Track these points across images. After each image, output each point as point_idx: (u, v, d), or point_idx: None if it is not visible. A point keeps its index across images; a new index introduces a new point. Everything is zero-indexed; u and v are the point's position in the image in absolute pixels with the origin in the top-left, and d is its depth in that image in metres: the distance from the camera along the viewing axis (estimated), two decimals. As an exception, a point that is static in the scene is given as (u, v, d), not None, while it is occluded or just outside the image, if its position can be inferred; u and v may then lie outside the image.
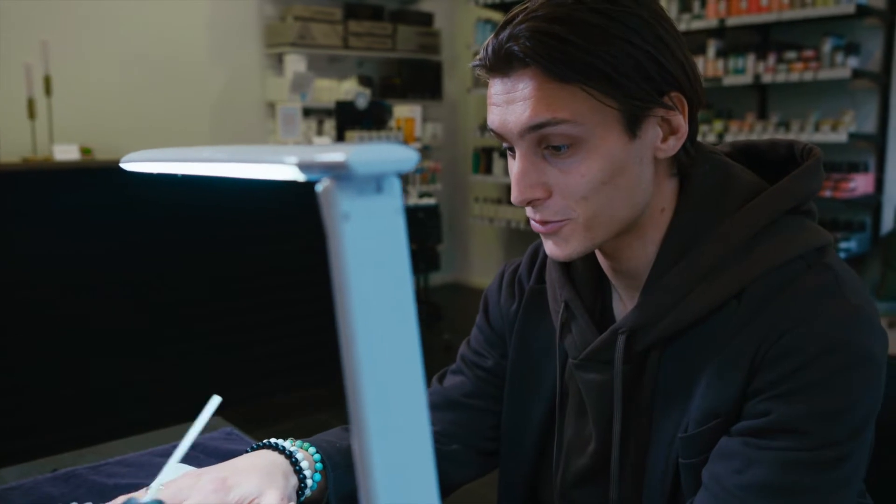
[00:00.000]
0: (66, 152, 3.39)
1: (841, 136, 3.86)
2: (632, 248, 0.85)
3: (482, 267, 6.15)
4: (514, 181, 0.80)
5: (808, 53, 3.97)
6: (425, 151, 5.03)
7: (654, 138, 0.80)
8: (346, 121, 4.41)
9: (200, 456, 1.16)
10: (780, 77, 4.02)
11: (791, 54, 4.03)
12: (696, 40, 4.32)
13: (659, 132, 0.80)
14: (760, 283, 0.78)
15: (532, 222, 0.83)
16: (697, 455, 0.80)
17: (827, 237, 0.82)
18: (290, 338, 3.60)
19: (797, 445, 0.74)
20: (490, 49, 0.79)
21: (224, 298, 3.39)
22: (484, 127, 5.50)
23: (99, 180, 3.15)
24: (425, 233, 4.77)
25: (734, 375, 0.77)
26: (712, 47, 4.28)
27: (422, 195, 4.88)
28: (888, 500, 0.96)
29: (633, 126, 0.78)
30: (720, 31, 4.30)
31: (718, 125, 4.25)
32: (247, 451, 0.90)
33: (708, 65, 4.26)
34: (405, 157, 0.39)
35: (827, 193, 3.86)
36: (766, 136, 4.06)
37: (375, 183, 0.40)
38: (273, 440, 0.90)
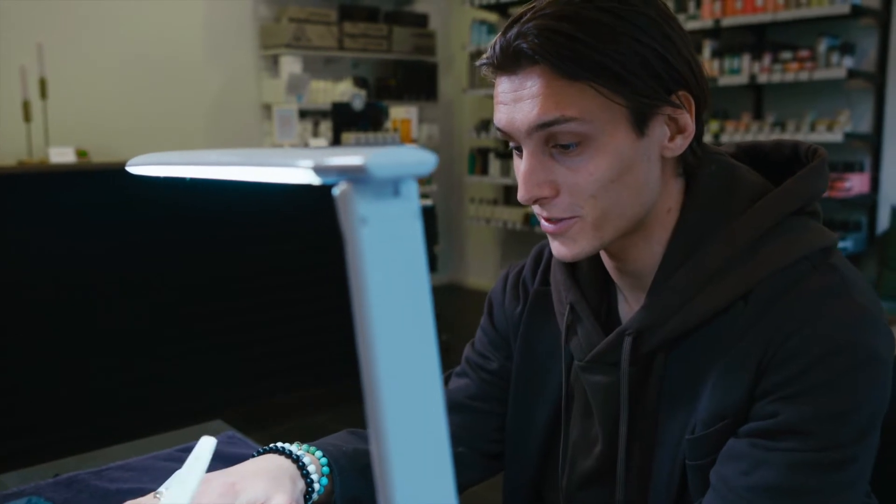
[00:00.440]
0: (62, 155, 3.38)
1: (836, 136, 3.87)
2: (638, 248, 0.85)
3: (478, 268, 6.15)
4: (521, 180, 0.80)
5: (804, 53, 3.99)
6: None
7: (662, 137, 0.80)
8: (343, 122, 4.41)
9: (203, 459, 1.15)
10: (776, 77, 4.04)
11: (786, 54, 4.04)
12: (692, 41, 4.32)
13: (666, 131, 0.80)
14: (766, 285, 0.78)
15: (542, 222, 0.82)
16: (705, 456, 0.80)
17: (832, 238, 0.82)
18: (290, 338, 3.59)
19: (805, 447, 0.74)
20: (498, 47, 0.78)
21: (224, 298, 3.39)
22: (479, 128, 5.51)
23: (95, 182, 3.15)
24: (422, 234, 4.77)
25: (741, 377, 0.77)
26: (708, 48, 4.29)
27: (418, 196, 4.87)
28: (893, 501, 0.96)
29: (640, 124, 0.78)
30: (716, 32, 4.31)
31: (714, 125, 4.26)
32: (253, 456, 0.90)
33: (703, 65, 4.26)
34: (423, 160, 0.39)
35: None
36: (762, 136, 4.07)
37: (393, 186, 0.40)
38: (280, 444, 0.90)
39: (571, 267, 0.94)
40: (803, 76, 3.95)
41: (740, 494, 0.75)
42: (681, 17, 4.31)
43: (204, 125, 4.83)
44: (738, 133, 4.19)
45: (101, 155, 4.07)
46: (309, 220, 3.57)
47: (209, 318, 3.34)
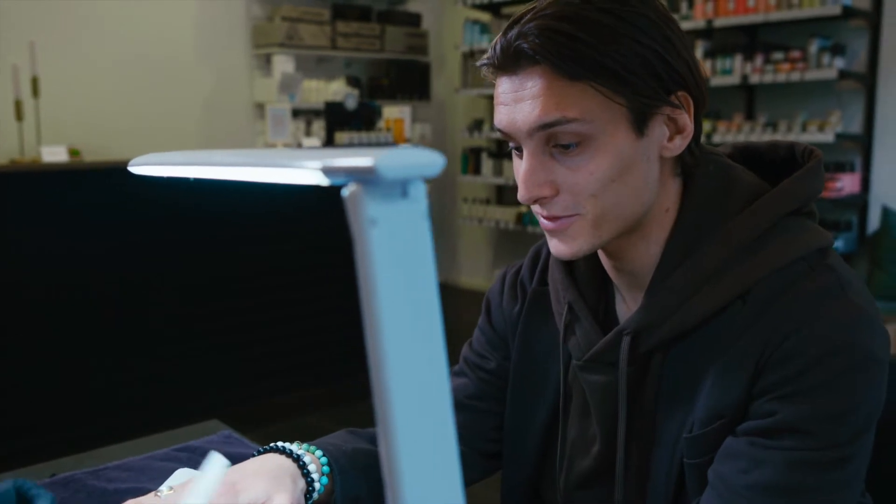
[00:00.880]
0: (54, 154, 3.37)
1: (828, 137, 3.89)
2: (636, 248, 0.85)
3: (471, 268, 6.15)
4: (521, 180, 0.80)
5: (795, 54, 4.01)
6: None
7: (661, 137, 0.80)
8: (336, 122, 4.41)
9: (200, 460, 1.15)
10: (768, 78, 4.05)
11: (778, 55, 4.06)
12: (685, 34, 4.34)
13: (665, 131, 0.81)
14: (764, 285, 0.79)
15: (540, 219, 0.83)
16: (703, 455, 0.81)
17: (828, 238, 0.83)
18: (289, 338, 3.60)
19: (802, 445, 0.75)
20: (498, 47, 0.79)
21: (223, 298, 3.38)
22: (472, 127, 5.51)
23: (88, 181, 3.14)
24: (414, 234, 4.77)
25: (739, 376, 0.78)
26: (700, 48, 4.31)
27: (411, 196, 4.87)
28: (887, 498, 0.97)
29: (640, 124, 0.78)
30: (708, 32, 4.32)
31: (706, 126, 4.28)
32: (253, 455, 0.90)
33: (697, 60, 4.29)
34: (431, 161, 0.39)
35: (814, 193, 3.89)
36: (754, 137, 4.09)
37: (401, 188, 0.40)
38: (280, 444, 0.90)
39: (569, 267, 0.95)
40: (795, 77, 3.97)
41: (739, 493, 0.76)
42: (673, 18, 4.34)
43: (196, 124, 4.82)
44: (730, 133, 4.21)
45: (93, 154, 4.06)
46: (309, 220, 3.57)
47: (208, 318, 3.34)
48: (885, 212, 3.90)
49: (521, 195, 0.80)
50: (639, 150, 0.79)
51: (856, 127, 4.11)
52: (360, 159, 0.38)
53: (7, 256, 2.87)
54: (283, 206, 3.38)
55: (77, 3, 4.26)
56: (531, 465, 1.00)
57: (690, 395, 0.82)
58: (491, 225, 5.51)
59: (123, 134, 4.36)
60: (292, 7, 5.00)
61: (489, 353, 1.04)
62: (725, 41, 4.33)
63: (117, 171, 3.23)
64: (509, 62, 0.78)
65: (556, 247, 0.83)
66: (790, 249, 0.80)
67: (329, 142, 4.39)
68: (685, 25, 4.29)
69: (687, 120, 0.81)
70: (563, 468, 0.96)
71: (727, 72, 4.21)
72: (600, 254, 0.90)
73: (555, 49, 0.75)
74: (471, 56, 5.46)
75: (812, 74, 3.92)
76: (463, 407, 1.02)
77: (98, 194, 3.09)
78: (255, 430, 1.25)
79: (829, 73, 3.87)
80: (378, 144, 4.35)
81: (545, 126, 0.77)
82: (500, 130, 0.81)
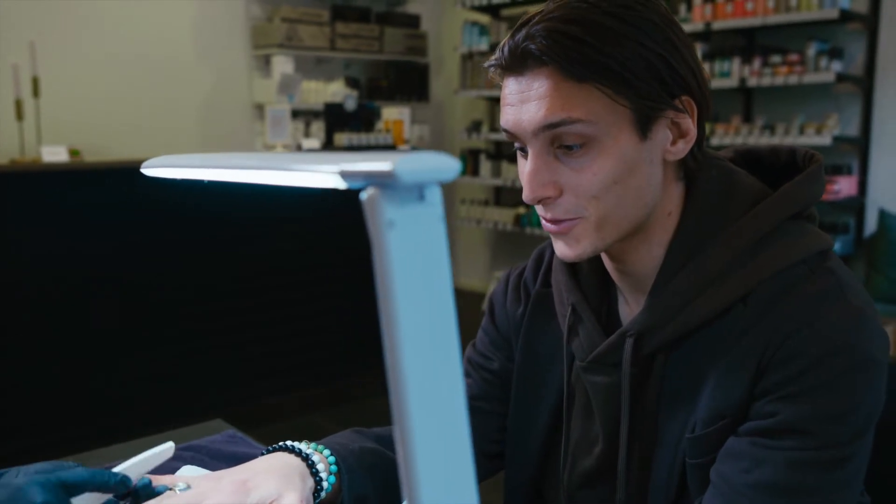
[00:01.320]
0: (55, 153, 3.37)
1: (825, 140, 3.91)
2: (638, 250, 0.86)
3: (469, 269, 6.16)
4: (525, 180, 0.81)
5: (793, 57, 4.02)
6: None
7: (664, 140, 0.82)
8: (335, 123, 4.41)
9: (205, 458, 1.16)
10: (766, 81, 4.07)
11: (776, 58, 4.08)
12: (689, 40, 4.36)
13: (669, 135, 0.82)
14: (765, 287, 0.80)
15: (543, 222, 0.84)
16: (705, 455, 0.82)
17: (828, 241, 0.84)
18: (289, 338, 3.60)
19: (804, 445, 0.76)
20: (506, 49, 0.80)
21: (224, 298, 3.39)
22: (471, 129, 5.52)
23: (88, 181, 3.14)
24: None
25: (741, 377, 0.79)
26: (698, 51, 4.32)
27: (409, 197, 4.87)
28: (885, 497, 0.98)
29: (644, 127, 0.79)
30: (706, 35, 4.34)
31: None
32: (262, 454, 0.91)
33: (701, 65, 4.30)
34: (448, 166, 0.40)
35: (811, 196, 3.90)
36: (752, 140, 4.10)
37: (418, 191, 0.41)
38: (289, 443, 0.91)
39: (573, 269, 0.96)
40: (792, 80, 3.98)
41: (741, 492, 0.77)
42: (672, 21, 4.35)
43: (196, 124, 4.82)
44: (728, 136, 4.22)
45: (93, 154, 4.06)
46: (309, 220, 3.58)
47: (208, 318, 3.35)
48: (882, 215, 3.92)
49: (526, 195, 0.81)
50: (642, 153, 0.80)
51: (853, 130, 4.12)
52: (378, 164, 0.39)
53: (7, 256, 2.88)
54: (284, 207, 3.38)
55: (77, 3, 4.26)
56: (534, 465, 1.01)
57: (692, 396, 0.83)
58: (489, 226, 5.52)
59: (123, 134, 4.37)
60: (291, 8, 5.01)
61: (493, 354, 1.05)
62: (723, 44, 4.34)
63: (117, 171, 3.24)
64: (517, 63, 0.79)
65: (561, 249, 0.84)
66: (791, 252, 0.81)
67: (328, 143, 4.40)
68: (684, 28, 4.30)
69: (690, 124, 0.82)
70: (565, 468, 0.97)
71: (725, 74, 4.23)
72: (603, 256, 0.91)
73: (561, 51, 0.76)
74: (469, 58, 5.47)
75: (810, 78, 3.94)
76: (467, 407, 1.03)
77: (98, 194, 3.10)
78: (254, 430, 1.26)
79: (827, 77, 3.89)
80: (377, 146, 4.36)
81: (550, 126, 0.78)
82: (505, 131, 0.83)
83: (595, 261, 0.94)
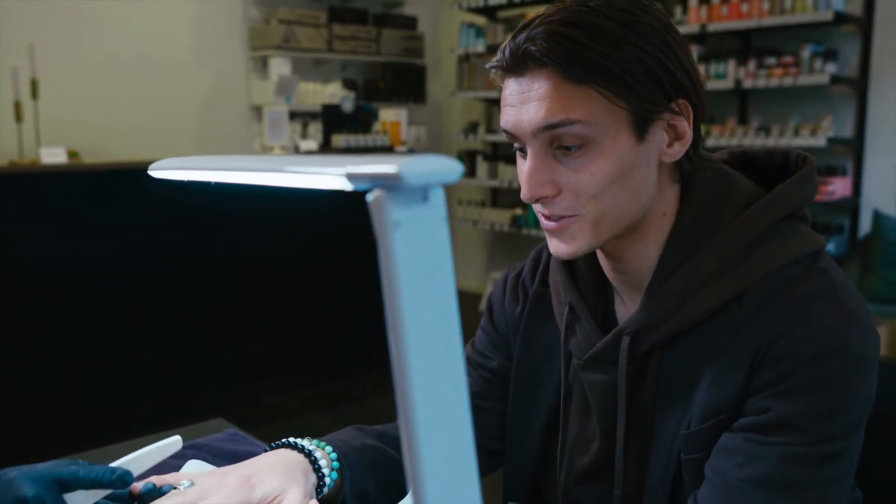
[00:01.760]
0: (53, 155, 3.38)
1: (819, 141, 3.93)
2: (634, 250, 0.88)
3: (466, 269, 6.17)
4: (524, 179, 0.83)
5: (788, 59, 4.04)
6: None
7: (661, 142, 0.83)
8: (332, 124, 4.43)
9: (207, 457, 1.17)
10: (761, 82, 4.09)
11: (771, 60, 4.10)
12: (686, 44, 4.38)
13: (665, 137, 0.83)
14: (759, 287, 0.82)
15: (542, 219, 0.86)
16: (699, 451, 0.84)
17: (821, 242, 0.86)
18: (289, 338, 3.61)
19: (796, 441, 0.77)
20: (507, 50, 0.82)
21: (224, 298, 3.40)
22: (467, 130, 5.53)
23: (86, 182, 3.15)
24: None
25: (735, 375, 0.81)
26: (694, 53, 4.33)
27: (407, 198, 4.88)
28: (876, 492, 0.99)
29: (641, 129, 0.81)
30: (702, 37, 4.36)
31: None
32: (265, 451, 0.92)
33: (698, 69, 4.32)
34: (451, 168, 0.42)
35: (806, 197, 3.93)
36: (747, 141, 4.12)
37: (422, 193, 0.43)
38: (292, 439, 0.93)
39: (570, 269, 0.97)
40: (787, 81, 4.01)
41: (735, 486, 0.79)
42: (667, 23, 4.37)
43: (194, 126, 4.83)
44: (724, 137, 4.25)
45: (92, 155, 4.07)
46: (308, 220, 3.59)
47: (208, 318, 3.35)
48: (876, 215, 3.94)
49: (524, 194, 0.83)
50: (639, 154, 0.82)
51: (847, 131, 4.15)
52: (384, 166, 0.41)
53: (7, 257, 2.88)
54: (283, 207, 3.39)
55: (76, 6, 4.27)
56: (532, 463, 1.02)
57: (688, 394, 0.85)
58: (486, 227, 5.54)
59: (121, 135, 4.38)
60: (289, 10, 5.02)
61: (492, 353, 1.07)
62: (719, 46, 4.36)
63: (116, 172, 3.25)
64: (517, 64, 0.81)
65: (556, 246, 0.86)
66: (784, 253, 0.83)
67: (326, 144, 4.41)
68: (679, 30, 4.32)
69: (686, 127, 0.84)
70: (563, 464, 0.99)
71: (721, 76, 4.25)
72: (600, 256, 0.93)
73: (561, 53, 0.77)
74: (466, 59, 5.48)
75: (804, 79, 3.96)
76: None
77: (97, 195, 3.11)
78: (254, 430, 1.27)
79: (822, 78, 3.91)
80: (374, 147, 4.37)
81: (550, 127, 0.79)
82: (505, 131, 0.84)
83: (592, 260, 0.95)
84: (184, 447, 1.22)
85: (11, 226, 2.89)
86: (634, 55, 0.78)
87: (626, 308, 0.93)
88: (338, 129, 4.42)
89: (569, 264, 0.97)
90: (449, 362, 0.43)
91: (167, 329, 3.25)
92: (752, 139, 4.16)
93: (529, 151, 0.82)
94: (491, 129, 5.49)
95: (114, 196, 3.10)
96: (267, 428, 3.21)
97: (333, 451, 0.93)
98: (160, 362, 3.22)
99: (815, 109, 4.22)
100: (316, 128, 4.97)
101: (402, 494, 0.93)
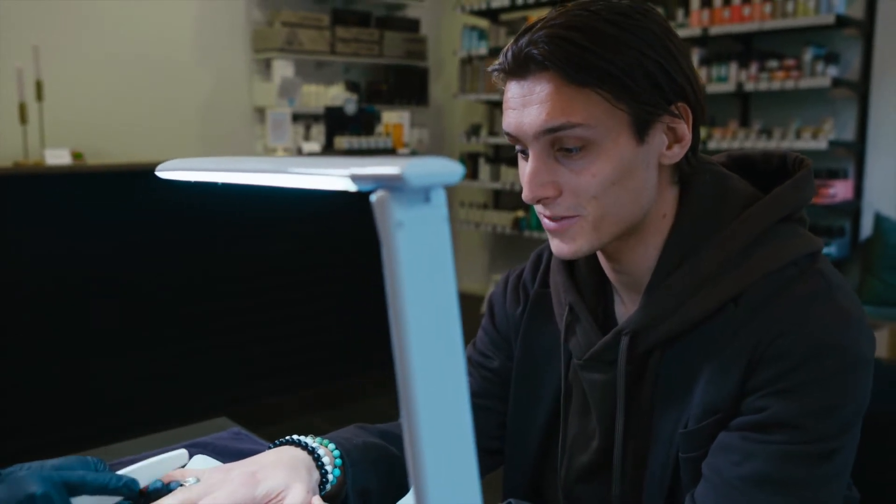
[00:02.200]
0: (58, 156, 3.40)
1: (821, 144, 3.94)
2: (634, 251, 0.89)
3: (468, 271, 6.18)
4: (526, 180, 0.84)
5: (790, 62, 4.05)
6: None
7: (660, 145, 0.85)
8: (335, 126, 4.44)
9: (211, 455, 1.19)
10: (762, 85, 4.10)
11: (773, 63, 4.11)
12: (685, 48, 4.39)
13: (665, 139, 0.85)
14: (757, 288, 0.83)
15: (543, 219, 0.87)
16: (697, 449, 0.85)
17: (818, 243, 0.87)
18: (289, 338, 3.61)
19: (792, 439, 0.79)
20: (510, 54, 0.83)
21: (224, 299, 3.41)
22: (470, 132, 5.55)
23: (90, 183, 3.17)
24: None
25: (732, 374, 0.82)
26: (696, 55, 4.35)
27: (409, 200, 4.89)
28: (872, 490, 1.00)
29: (641, 131, 0.82)
30: (703, 40, 4.37)
31: (702, 132, 4.31)
32: (269, 448, 0.93)
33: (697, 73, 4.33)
34: (452, 170, 0.43)
35: (807, 199, 3.93)
36: (749, 143, 4.13)
37: (424, 194, 0.44)
38: (295, 436, 0.94)
39: (570, 270, 0.99)
40: (789, 84, 4.02)
41: (732, 484, 0.80)
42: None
43: (197, 128, 4.85)
44: (726, 140, 4.25)
45: (95, 157, 4.08)
46: (309, 221, 3.60)
47: (208, 319, 3.36)
48: (878, 218, 3.95)
49: (526, 195, 0.84)
50: (639, 156, 0.83)
51: (849, 134, 4.15)
52: (387, 167, 0.42)
53: (10, 257, 2.90)
54: (284, 207, 3.40)
55: (80, 8, 4.29)
56: (532, 462, 1.03)
57: (686, 393, 0.86)
58: (488, 229, 5.55)
59: (125, 137, 4.39)
60: (292, 12, 5.04)
61: (493, 353, 1.08)
62: (721, 49, 4.37)
63: (119, 174, 3.26)
64: (519, 68, 0.82)
65: (558, 247, 0.87)
66: (782, 254, 0.84)
67: (328, 146, 4.43)
68: (681, 33, 4.34)
69: (685, 130, 0.85)
70: (563, 464, 1.00)
71: (722, 79, 4.26)
72: (600, 257, 0.94)
73: (563, 56, 0.79)
74: (469, 62, 5.49)
75: (806, 82, 3.97)
76: None
77: (100, 196, 3.12)
78: (255, 431, 1.28)
79: (823, 81, 3.92)
80: (377, 149, 4.39)
81: (551, 130, 0.81)
82: (507, 133, 0.85)
83: (592, 261, 0.97)
84: (188, 446, 1.23)
85: (14, 226, 2.90)
86: (635, 59, 0.79)
87: (625, 309, 0.94)
88: (340, 131, 4.43)
89: (569, 265, 0.99)
90: (450, 358, 0.44)
91: (167, 329, 3.26)
92: (753, 142, 4.17)
93: (531, 153, 0.83)
94: (493, 132, 5.51)
95: (116, 197, 3.12)
96: (267, 428, 3.22)
97: (336, 448, 0.94)
98: (160, 362, 3.23)
99: (817, 112, 4.23)
100: (319, 130, 4.98)
101: (404, 492, 0.95)
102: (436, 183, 0.44)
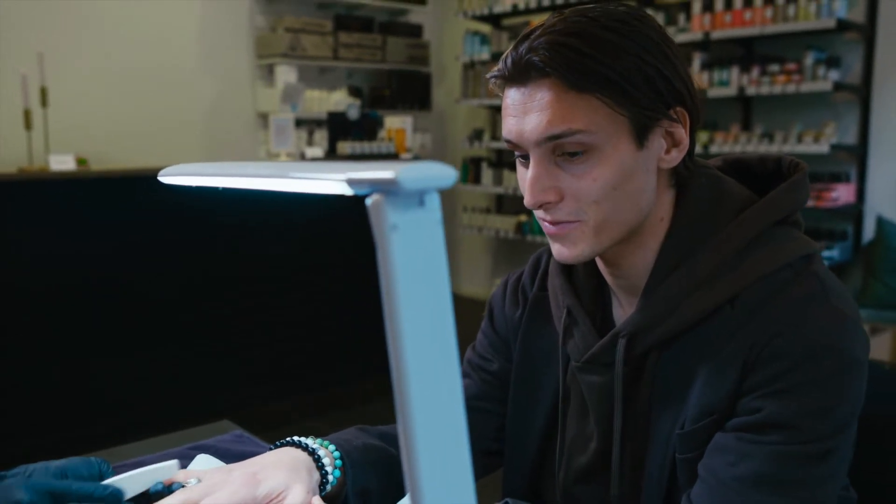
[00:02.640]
0: (62, 162, 3.42)
1: (823, 147, 3.95)
2: (632, 255, 0.90)
3: (471, 276, 6.19)
4: (527, 186, 0.84)
5: (791, 66, 4.06)
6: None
7: (659, 149, 0.86)
8: (338, 131, 4.46)
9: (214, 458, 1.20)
10: (764, 89, 4.11)
11: (774, 67, 4.12)
12: (682, 53, 4.40)
13: (663, 144, 0.86)
14: (752, 290, 0.84)
15: (544, 224, 0.87)
16: (693, 450, 0.85)
17: (813, 246, 0.88)
18: (289, 342, 3.62)
19: (787, 440, 0.79)
20: (509, 60, 0.84)
21: (223, 302, 3.41)
22: (472, 137, 5.56)
23: (94, 189, 3.18)
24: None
25: (728, 375, 0.83)
26: (697, 60, 4.36)
27: (412, 205, 4.91)
28: (870, 492, 1.01)
29: (641, 136, 0.83)
30: (705, 44, 4.38)
31: (703, 136, 4.32)
32: (270, 449, 0.94)
33: (693, 77, 4.34)
34: (445, 174, 0.44)
35: (810, 203, 3.93)
36: (751, 147, 4.14)
37: (419, 197, 0.45)
38: (296, 438, 0.95)
39: (568, 273, 0.99)
40: (790, 88, 4.02)
41: (727, 484, 0.81)
42: (671, 30, 4.39)
43: (200, 133, 4.87)
44: (727, 144, 4.26)
45: (100, 162, 4.10)
46: (308, 224, 3.61)
47: (209, 321, 3.37)
48: (880, 222, 3.95)
49: (528, 200, 0.85)
50: (639, 160, 0.84)
51: (850, 138, 4.16)
52: (382, 172, 0.43)
53: (13, 260, 2.90)
54: (284, 211, 3.41)
55: (84, 15, 4.32)
56: (531, 464, 1.04)
57: (683, 394, 0.87)
58: (491, 234, 5.56)
59: (129, 142, 4.42)
60: (295, 18, 5.06)
61: (492, 356, 1.09)
62: (722, 53, 4.38)
63: (116, 178, 3.28)
64: (519, 74, 0.83)
65: (559, 251, 0.88)
66: (777, 257, 0.85)
67: (331, 151, 4.44)
68: (683, 37, 4.35)
69: (683, 134, 0.86)
70: (561, 465, 1.00)
71: (724, 83, 4.27)
72: (598, 261, 0.95)
73: (564, 62, 0.80)
74: (471, 67, 5.51)
75: (807, 86, 3.98)
76: (466, 407, 1.06)
77: (97, 201, 3.13)
78: (255, 434, 1.30)
79: (825, 85, 3.92)
80: (379, 154, 4.40)
81: (553, 137, 0.82)
82: (507, 141, 0.86)
83: (590, 265, 0.98)
84: (190, 448, 1.24)
85: (19, 231, 2.91)
86: (634, 64, 0.81)
87: (623, 312, 0.95)
88: (343, 136, 4.45)
89: (567, 269, 1.00)
90: (444, 358, 0.45)
91: (168, 331, 3.27)
92: (755, 146, 4.17)
93: (532, 159, 0.84)
94: (495, 137, 5.52)
95: (118, 201, 3.13)
96: (268, 432, 3.22)
97: (336, 449, 0.95)
98: (160, 364, 3.23)
99: (819, 116, 4.23)
100: (321, 135, 5.00)
101: (403, 493, 0.95)
102: (430, 187, 0.45)
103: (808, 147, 3.98)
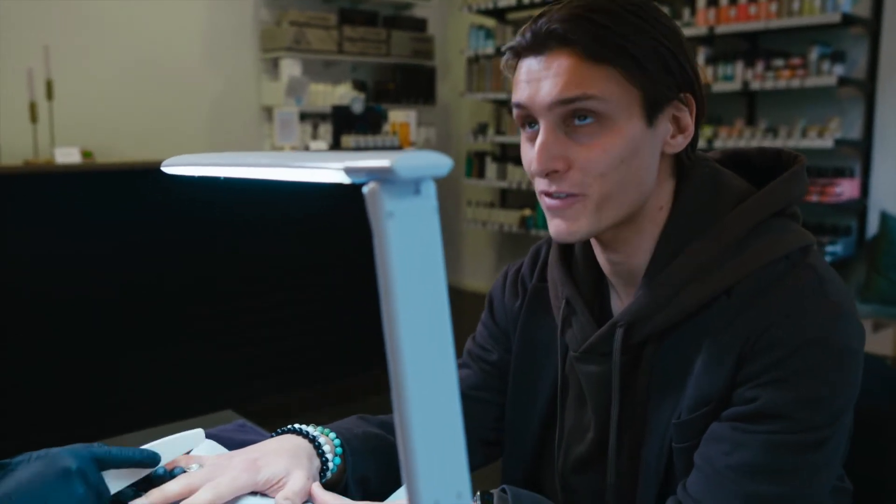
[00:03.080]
0: (67, 155, 3.43)
1: (827, 142, 3.94)
2: (630, 243, 0.91)
3: (475, 270, 6.20)
4: (535, 153, 0.85)
5: (796, 61, 4.06)
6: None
7: (665, 133, 0.87)
8: (342, 125, 4.46)
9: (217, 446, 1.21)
10: (769, 84, 4.11)
11: (779, 62, 4.11)
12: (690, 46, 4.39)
13: (670, 128, 0.87)
14: (749, 281, 0.85)
15: (544, 199, 0.88)
16: (690, 440, 0.86)
17: (810, 238, 0.89)
18: (289, 338, 3.62)
19: (782, 429, 0.80)
20: (529, 32, 0.85)
21: (225, 298, 3.42)
22: (476, 131, 5.57)
23: (99, 182, 3.19)
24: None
25: (724, 365, 0.84)
26: (702, 54, 4.36)
27: (416, 199, 4.91)
28: (865, 484, 1.02)
29: (651, 114, 0.85)
30: (710, 39, 4.38)
31: (708, 131, 4.32)
32: (271, 437, 0.96)
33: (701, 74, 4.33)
34: (441, 163, 0.45)
35: (814, 198, 3.94)
36: (755, 142, 4.14)
37: (414, 186, 0.46)
38: (297, 425, 0.96)
39: (567, 265, 1.00)
40: (795, 83, 4.02)
41: (722, 473, 0.82)
42: (675, 25, 4.38)
43: (205, 126, 4.89)
44: (732, 139, 4.26)
45: (105, 155, 4.12)
46: (310, 221, 3.61)
47: (209, 319, 3.37)
48: (884, 217, 3.95)
49: (535, 168, 0.85)
50: (646, 138, 0.85)
51: (855, 133, 4.15)
52: (378, 161, 0.44)
53: (12, 255, 2.90)
54: (285, 208, 3.41)
55: (90, 8, 4.33)
56: (530, 453, 1.05)
57: (679, 384, 0.87)
58: (495, 228, 5.57)
59: (134, 136, 4.43)
60: (299, 12, 5.07)
61: (492, 346, 1.10)
62: (727, 48, 4.38)
63: (121, 172, 3.29)
64: (539, 44, 0.84)
65: (558, 226, 0.88)
66: (774, 248, 0.86)
67: (336, 145, 4.45)
68: (687, 32, 4.34)
69: (689, 120, 0.88)
70: (560, 455, 1.01)
71: (728, 78, 4.27)
72: (596, 250, 0.96)
73: (585, 32, 0.82)
74: (475, 61, 5.51)
75: (812, 81, 3.97)
76: (466, 397, 1.08)
77: (102, 195, 3.13)
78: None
79: (829, 80, 3.92)
80: (384, 148, 4.41)
81: (566, 101, 0.83)
82: (518, 105, 0.87)
83: (589, 257, 0.98)
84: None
85: (26, 224, 2.92)
86: (650, 44, 0.83)
87: (621, 302, 0.96)
88: (348, 130, 4.45)
89: (567, 261, 1.00)
90: (439, 344, 0.46)
91: (167, 329, 3.26)
92: (759, 140, 4.17)
93: (542, 126, 0.85)
94: (500, 131, 5.52)
95: (123, 195, 3.13)
96: (268, 427, 3.23)
97: (337, 437, 0.96)
98: (161, 362, 3.23)
99: (823, 111, 4.23)
100: (326, 129, 5.01)
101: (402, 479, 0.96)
102: (425, 175, 0.45)
103: (813, 142, 3.98)
